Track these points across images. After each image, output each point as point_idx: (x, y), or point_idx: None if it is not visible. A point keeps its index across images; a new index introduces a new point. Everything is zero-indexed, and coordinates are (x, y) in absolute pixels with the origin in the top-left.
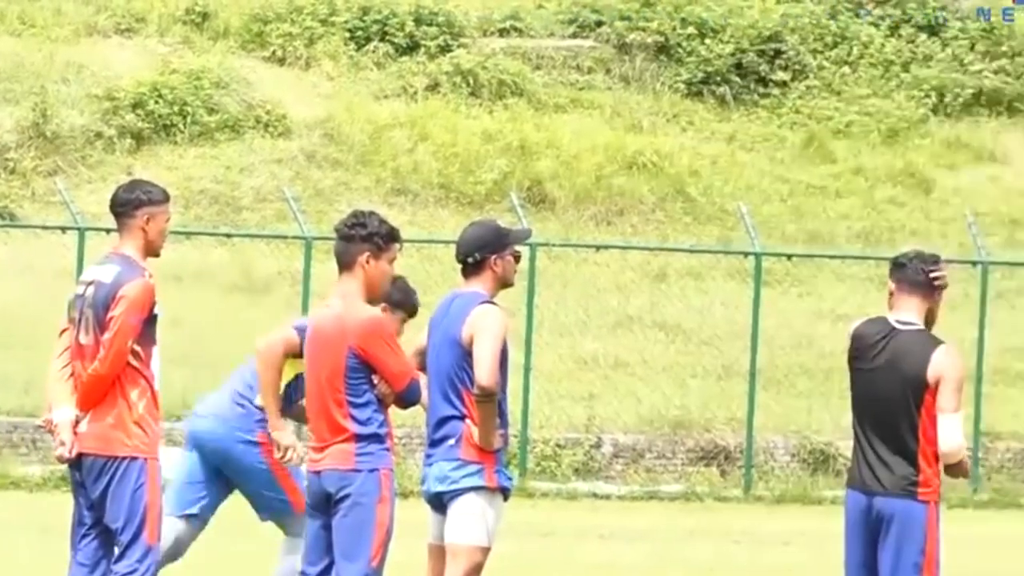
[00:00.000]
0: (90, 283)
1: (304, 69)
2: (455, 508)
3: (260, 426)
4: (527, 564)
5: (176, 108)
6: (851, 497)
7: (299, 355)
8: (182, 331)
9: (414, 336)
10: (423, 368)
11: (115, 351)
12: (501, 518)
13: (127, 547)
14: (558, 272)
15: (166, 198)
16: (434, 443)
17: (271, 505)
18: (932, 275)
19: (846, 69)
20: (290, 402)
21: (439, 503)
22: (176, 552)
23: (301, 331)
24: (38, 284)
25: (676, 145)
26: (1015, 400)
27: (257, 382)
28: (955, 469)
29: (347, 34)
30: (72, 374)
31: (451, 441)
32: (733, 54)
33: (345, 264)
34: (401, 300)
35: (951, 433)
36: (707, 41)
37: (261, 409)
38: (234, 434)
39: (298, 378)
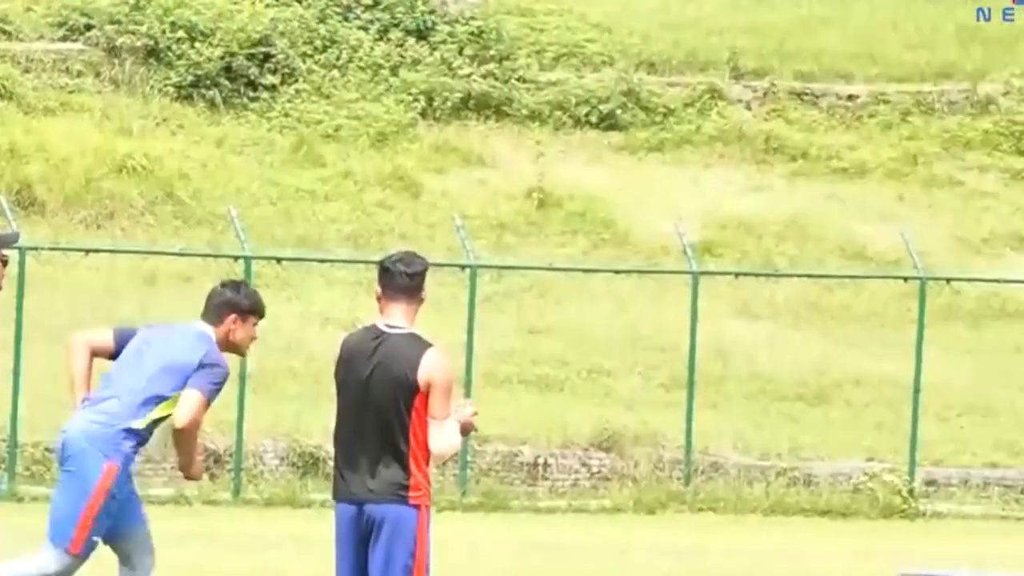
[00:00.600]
0: None
1: None
2: None
3: None
4: None
5: None
6: (340, 509)
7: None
8: None
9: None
10: None
11: None
12: None
13: None
14: (48, 276)
15: None
16: None
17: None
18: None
19: (335, 73)
20: None
21: None
22: None
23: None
24: None
25: (166, 149)
26: (503, 404)
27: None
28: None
29: None
30: None
31: None
32: (223, 57)
33: None
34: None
35: (442, 438)
36: (197, 45)
37: None
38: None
39: None
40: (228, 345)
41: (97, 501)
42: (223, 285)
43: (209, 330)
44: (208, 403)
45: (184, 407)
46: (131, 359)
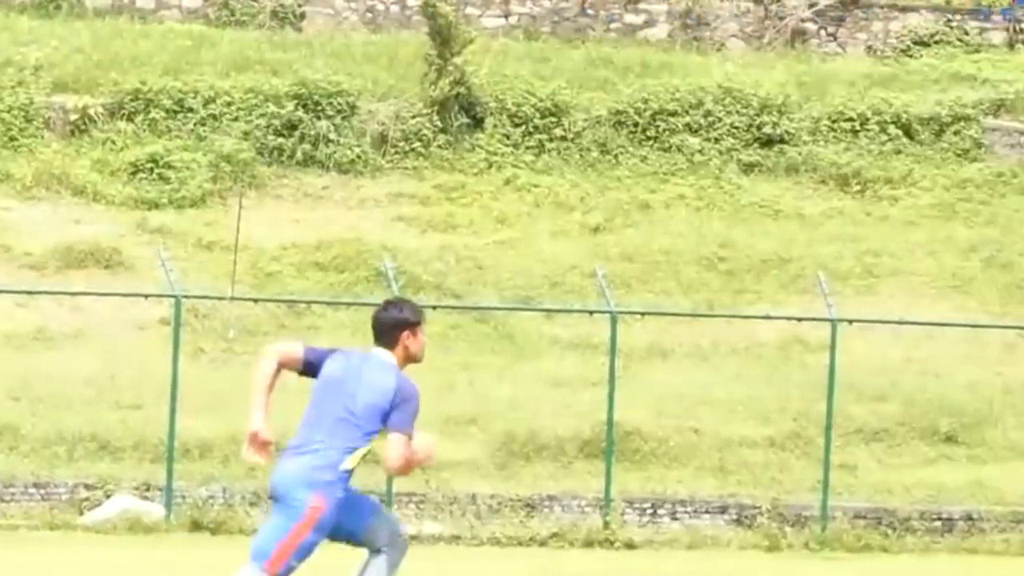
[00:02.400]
0: None
1: None
2: None
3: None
4: None
5: None
6: None
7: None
8: None
9: None
10: None
11: None
12: None
13: None
14: None
15: None
16: None
17: (262, 542)
18: None
19: None
20: None
21: None
22: None
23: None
24: None
25: None
26: None
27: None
28: None
29: None
30: None
31: None
32: None
33: None
34: None
35: None
36: None
37: None
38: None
39: None
40: (407, 360)
41: (301, 535)
42: (384, 308)
43: (390, 357)
44: (411, 437)
45: (393, 452)
46: (331, 396)
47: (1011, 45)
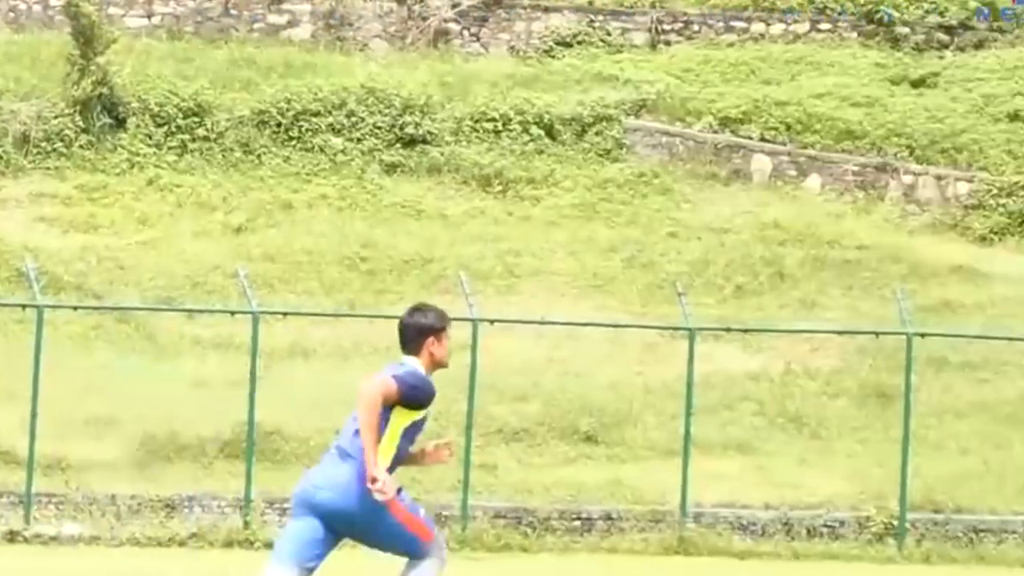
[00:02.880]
0: None
1: None
2: None
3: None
4: None
5: None
6: None
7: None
8: None
9: None
10: None
11: None
12: None
13: None
14: None
15: None
16: None
17: (404, 547)
18: None
19: None
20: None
21: None
22: None
23: (399, 379)
24: None
25: None
26: None
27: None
28: None
29: None
30: None
31: None
32: None
33: None
34: None
35: None
36: None
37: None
38: (355, 502)
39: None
40: (434, 365)
41: (397, 507)
42: (410, 315)
43: (415, 362)
44: (399, 391)
45: (375, 381)
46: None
47: (653, 45)
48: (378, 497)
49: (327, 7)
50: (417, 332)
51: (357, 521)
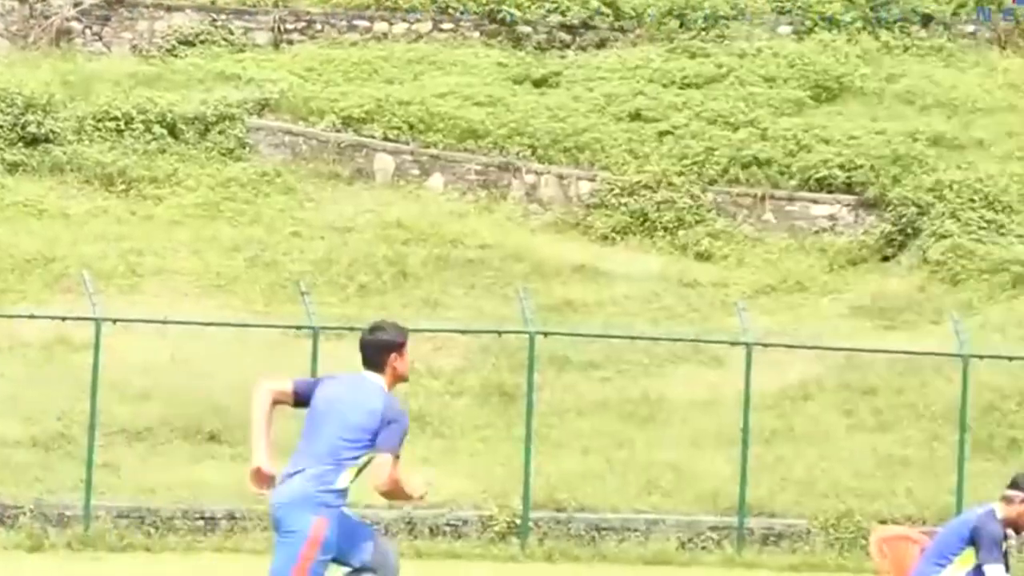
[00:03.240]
0: None
1: None
2: None
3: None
4: None
5: None
6: None
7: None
8: None
9: None
10: None
11: None
12: None
13: None
14: None
15: None
16: None
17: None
18: None
19: None
20: None
21: None
22: None
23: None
24: None
25: None
26: None
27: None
28: None
29: None
30: None
31: None
32: None
33: None
34: None
35: None
36: None
37: None
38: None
39: None
40: (396, 380)
41: (310, 556)
42: (370, 332)
43: (378, 379)
44: (398, 457)
45: (380, 471)
46: (321, 420)
47: (276, 45)
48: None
49: None
50: (380, 349)
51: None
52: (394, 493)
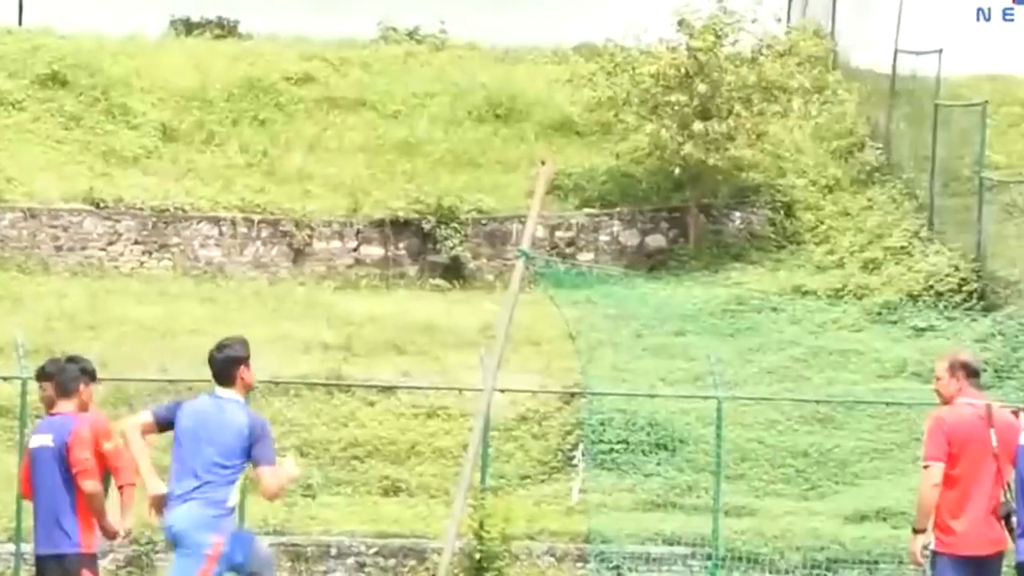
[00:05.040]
0: None
1: None
2: None
3: None
4: None
5: None
6: None
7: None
8: None
9: None
10: None
11: None
12: None
13: None
14: None
15: None
16: None
17: None
18: None
19: None
20: None
21: None
22: None
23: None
24: None
25: None
26: None
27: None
28: None
29: None
30: None
31: None
32: None
33: None
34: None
35: None
36: None
37: None
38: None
39: None
40: (246, 390)
41: (209, 570)
42: (219, 350)
43: (233, 394)
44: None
45: (270, 482)
46: (193, 442)
47: None
48: None
49: None
50: (230, 364)
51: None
52: (282, 491)
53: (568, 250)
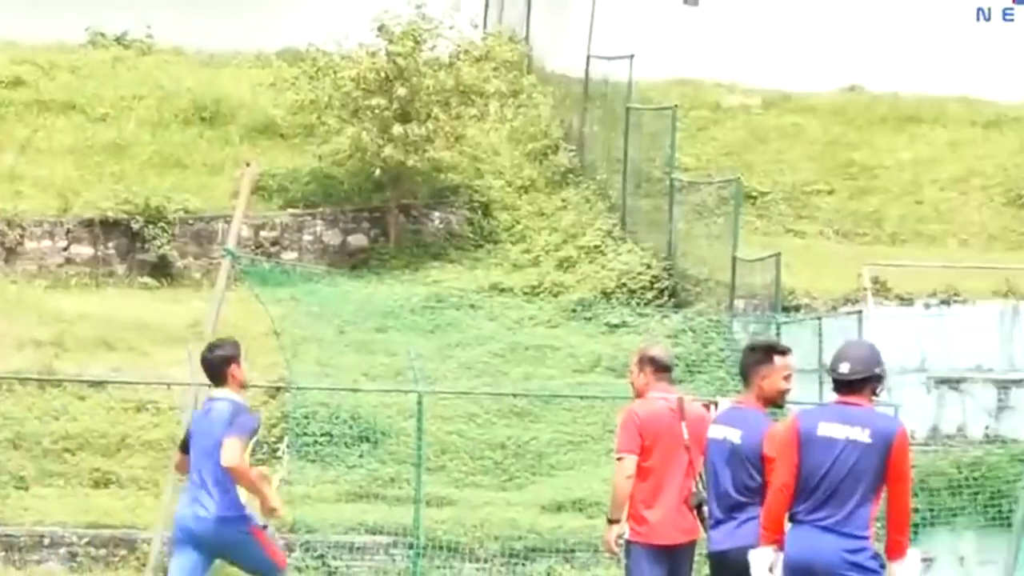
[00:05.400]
0: None
1: None
2: None
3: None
4: None
5: None
6: None
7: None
8: None
9: None
10: None
11: None
12: None
13: None
14: None
15: None
16: None
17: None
18: None
19: None
20: None
21: None
22: None
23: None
24: None
25: None
26: None
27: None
28: None
29: None
30: None
31: None
32: None
33: None
34: None
35: None
36: None
37: None
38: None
39: None
40: (240, 387)
41: (261, 534)
42: (210, 351)
43: (224, 392)
44: (244, 444)
45: (226, 451)
46: (198, 450)
47: None
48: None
49: None
50: (221, 363)
51: (232, 545)
52: (241, 476)
53: (272, 249)
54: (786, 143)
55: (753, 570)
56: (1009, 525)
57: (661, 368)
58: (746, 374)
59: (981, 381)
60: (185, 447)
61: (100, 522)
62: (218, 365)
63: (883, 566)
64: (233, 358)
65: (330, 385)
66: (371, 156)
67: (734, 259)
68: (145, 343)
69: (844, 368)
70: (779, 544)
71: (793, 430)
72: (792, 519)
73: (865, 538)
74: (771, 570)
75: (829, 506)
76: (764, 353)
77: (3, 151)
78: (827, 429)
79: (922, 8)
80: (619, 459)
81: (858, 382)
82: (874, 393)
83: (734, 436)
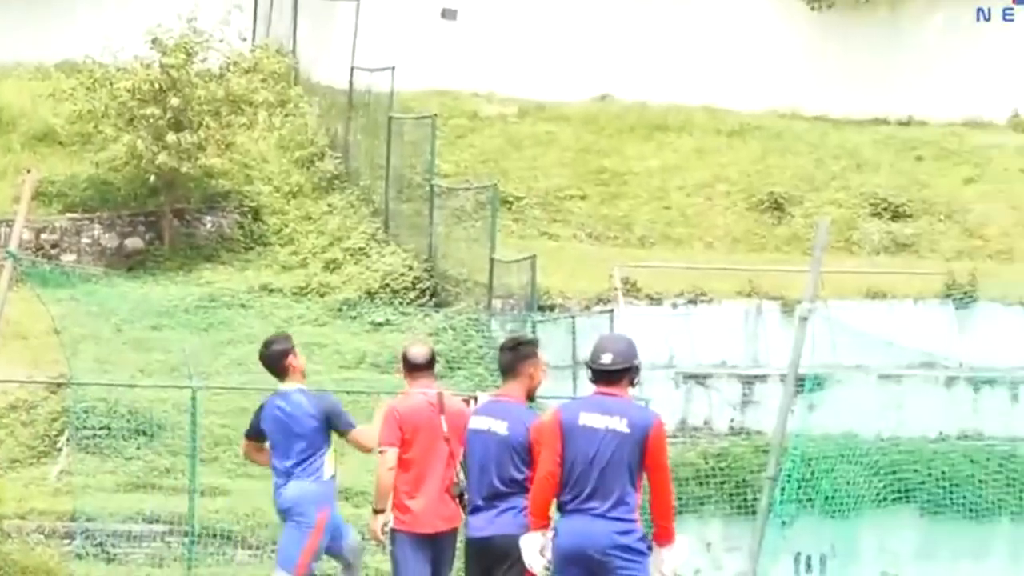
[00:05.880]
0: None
1: None
2: None
3: None
4: None
5: None
6: None
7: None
8: None
9: None
10: None
11: None
12: None
13: None
14: None
15: None
16: None
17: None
18: None
19: None
20: None
21: None
22: None
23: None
24: None
25: None
26: None
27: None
28: None
29: None
30: None
31: None
32: None
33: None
34: None
35: None
36: None
37: None
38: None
39: None
40: (300, 376)
41: (316, 539)
42: (266, 347)
43: (292, 385)
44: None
45: (365, 439)
46: (282, 432)
47: None
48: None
49: None
50: (280, 357)
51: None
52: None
53: (53, 251)
54: (540, 150)
55: (524, 555)
56: (753, 513)
57: (413, 367)
58: (515, 368)
59: (726, 376)
60: (255, 436)
61: None
62: (277, 359)
63: (651, 548)
64: (289, 351)
65: (108, 381)
66: (146, 163)
67: (492, 261)
68: None
69: (607, 359)
70: (546, 528)
71: (556, 421)
72: (561, 509)
73: (633, 521)
74: (542, 553)
75: (597, 496)
76: (534, 347)
77: None
78: (588, 419)
79: (683, 19)
80: (381, 452)
81: (617, 372)
82: (631, 384)
83: (500, 427)
